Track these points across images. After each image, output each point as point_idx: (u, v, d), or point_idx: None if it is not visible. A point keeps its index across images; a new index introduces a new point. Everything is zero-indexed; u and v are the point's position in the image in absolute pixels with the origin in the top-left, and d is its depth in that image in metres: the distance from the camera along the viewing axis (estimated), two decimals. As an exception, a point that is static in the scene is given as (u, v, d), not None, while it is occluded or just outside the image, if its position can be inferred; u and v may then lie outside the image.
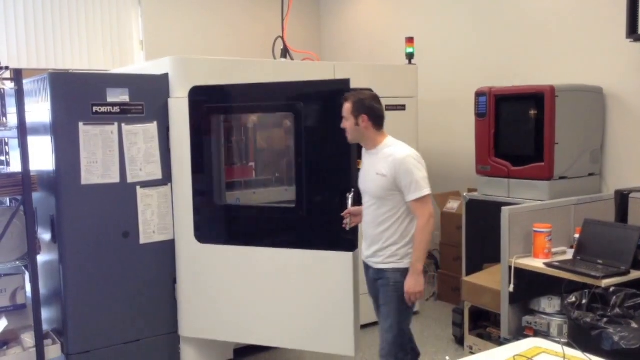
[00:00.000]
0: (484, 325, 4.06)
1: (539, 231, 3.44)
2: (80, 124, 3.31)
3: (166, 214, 3.59)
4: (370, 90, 3.32)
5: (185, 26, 6.33)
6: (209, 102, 3.60)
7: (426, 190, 2.86)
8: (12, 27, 5.33)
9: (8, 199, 3.51)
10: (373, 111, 2.96)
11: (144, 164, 3.50)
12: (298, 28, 6.58)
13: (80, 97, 3.34)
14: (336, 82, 3.62)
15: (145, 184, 3.52)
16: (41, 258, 3.39)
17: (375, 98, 3.02)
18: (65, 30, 5.59)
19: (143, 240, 3.52)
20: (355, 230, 3.29)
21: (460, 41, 5.45)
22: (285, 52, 5.03)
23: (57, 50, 5.52)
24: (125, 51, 5.89)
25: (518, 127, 4.19)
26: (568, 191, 3.97)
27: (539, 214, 3.62)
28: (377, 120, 2.98)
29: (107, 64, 5.73)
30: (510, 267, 3.44)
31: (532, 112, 4.04)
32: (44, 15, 5.46)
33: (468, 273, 4.27)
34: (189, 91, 3.58)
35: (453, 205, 5.13)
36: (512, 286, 3.41)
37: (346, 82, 3.27)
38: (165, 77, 3.65)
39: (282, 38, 5.05)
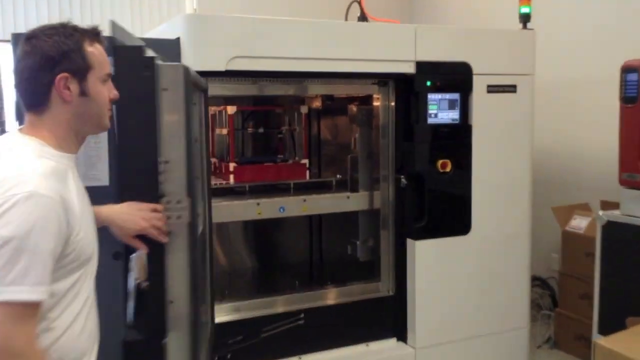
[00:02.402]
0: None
1: None
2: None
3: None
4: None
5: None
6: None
7: (17, 292, 1.27)
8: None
9: None
10: None
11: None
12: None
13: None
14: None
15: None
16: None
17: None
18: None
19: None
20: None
21: None
22: (362, 20, 3.91)
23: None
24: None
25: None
26: None
27: None
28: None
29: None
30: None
31: None
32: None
33: (603, 327, 2.99)
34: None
35: (580, 222, 3.79)
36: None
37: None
38: (175, 42, 2.66)
39: (359, 2, 3.91)
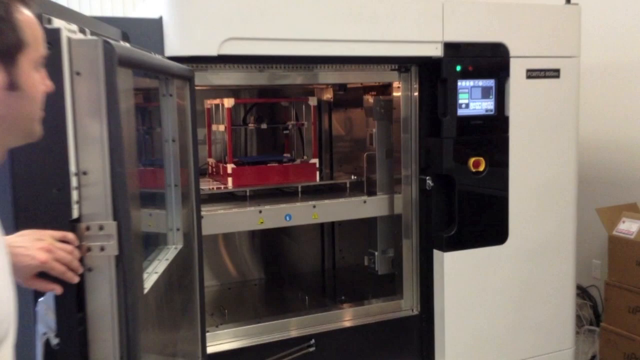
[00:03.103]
0: None
1: None
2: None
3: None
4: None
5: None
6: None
7: None
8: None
9: None
10: None
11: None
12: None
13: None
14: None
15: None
16: None
17: None
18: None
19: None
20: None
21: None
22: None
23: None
24: None
25: None
26: None
27: None
28: None
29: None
30: None
31: None
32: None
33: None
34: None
35: (629, 226, 3.31)
36: None
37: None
38: (157, 23, 2.22)
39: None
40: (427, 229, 2.79)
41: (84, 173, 1.22)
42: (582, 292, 3.84)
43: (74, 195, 1.20)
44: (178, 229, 1.99)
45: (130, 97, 1.56)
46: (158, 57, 1.87)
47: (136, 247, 1.45)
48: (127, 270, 1.24)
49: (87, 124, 1.19)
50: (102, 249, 1.22)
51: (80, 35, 1.29)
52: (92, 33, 1.37)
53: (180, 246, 1.99)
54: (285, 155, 3.16)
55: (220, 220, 2.57)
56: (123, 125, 1.26)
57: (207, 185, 2.83)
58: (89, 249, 1.23)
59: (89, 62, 1.19)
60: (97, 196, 1.21)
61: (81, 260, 1.23)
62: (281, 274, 3.49)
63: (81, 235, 1.22)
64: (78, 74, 1.19)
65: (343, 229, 3.53)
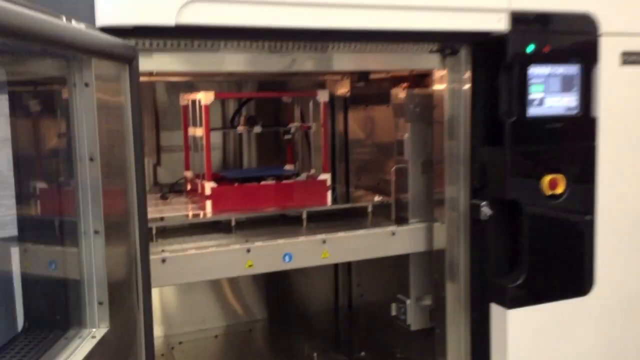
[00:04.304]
0: None
1: None
2: None
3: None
4: None
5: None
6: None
7: None
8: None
9: None
10: None
11: None
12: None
13: None
14: None
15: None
16: None
17: None
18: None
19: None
20: None
21: None
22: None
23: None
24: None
25: None
26: None
27: None
28: None
29: None
30: None
31: None
32: None
33: None
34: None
35: None
36: None
37: None
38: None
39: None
40: (482, 274, 2.01)
41: None
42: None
43: None
44: (101, 303, 1.23)
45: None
46: (59, 21, 1.10)
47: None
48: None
49: None
50: None
51: None
52: None
53: (104, 330, 1.23)
54: (286, 168, 2.39)
55: (189, 264, 1.81)
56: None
57: (176, 211, 2.07)
58: None
59: None
60: None
61: None
62: (287, 312, 2.84)
63: None
64: None
65: (362, 264, 2.76)
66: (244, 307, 2.85)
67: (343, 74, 2.47)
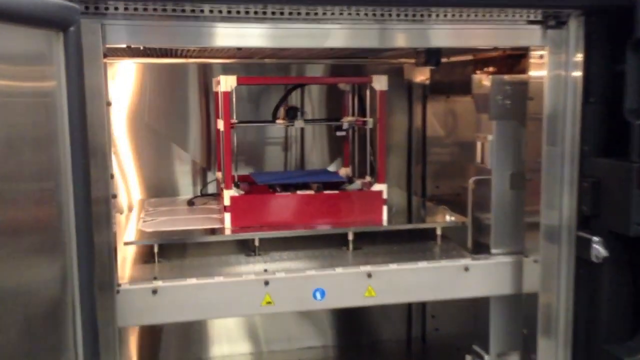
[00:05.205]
0: None
1: None
2: None
3: None
4: None
5: None
6: None
7: None
8: None
9: None
10: None
11: None
12: None
13: None
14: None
15: None
16: None
17: None
18: None
19: None
20: None
21: None
22: None
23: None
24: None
25: None
26: None
27: None
28: None
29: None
30: None
31: None
32: None
33: None
34: None
35: None
36: None
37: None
38: None
39: None
40: (590, 335, 1.44)
41: None
42: None
43: None
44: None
45: None
46: None
47: None
48: None
49: None
50: None
51: None
52: None
53: None
54: (340, 173, 1.91)
55: (187, 297, 1.41)
56: None
57: (187, 223, 1.66)
58: None
59: None
60: None
61: None
62: (358, 340, 2.48)
63: None
64: None
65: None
66: (314, 331, 2.43)
67: (412, 52, 1.93)
